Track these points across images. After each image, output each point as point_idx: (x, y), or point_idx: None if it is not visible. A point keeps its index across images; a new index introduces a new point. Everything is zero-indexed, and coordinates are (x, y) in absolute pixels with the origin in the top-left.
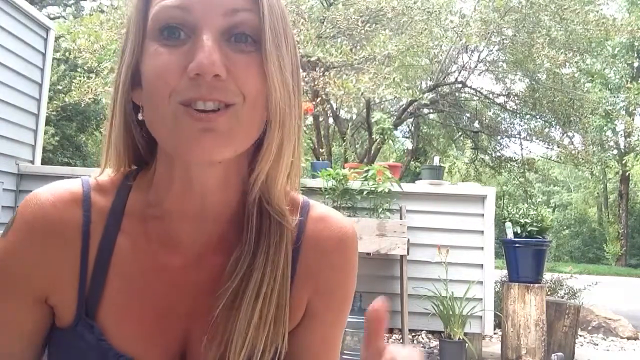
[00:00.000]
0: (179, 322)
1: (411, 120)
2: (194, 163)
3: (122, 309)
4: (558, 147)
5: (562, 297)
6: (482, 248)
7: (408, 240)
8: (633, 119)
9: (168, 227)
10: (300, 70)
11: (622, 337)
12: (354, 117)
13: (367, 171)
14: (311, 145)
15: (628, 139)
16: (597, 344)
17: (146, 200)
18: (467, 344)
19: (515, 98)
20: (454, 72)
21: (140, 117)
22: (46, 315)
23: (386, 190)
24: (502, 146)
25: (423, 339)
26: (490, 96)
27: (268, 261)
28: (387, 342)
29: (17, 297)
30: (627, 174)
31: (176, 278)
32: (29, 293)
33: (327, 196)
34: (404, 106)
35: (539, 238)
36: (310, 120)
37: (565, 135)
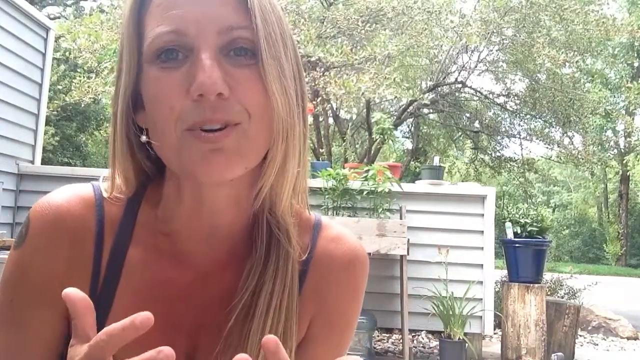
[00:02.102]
0: (186, 337)
1: (411, 120)
2: (205, 184)
3: None
4: (558, 147)
5: (562, 297)
6: (482, 248)
7: (408, 240)
8: (633, 119)
9: (177, 243)
10: (303, 72)
11: (622, 337)
12: (354, 117)
13: (367, 171)
14: (311, 145)
15: (628, 139)
16: (597, 344)
17: (156, 215)
18: (467, 344)
19: (515, 98)
20: (454, 72)
21: (143, 139)
22: (66, 328)
23: (386, 190)
24: (502, 146)
25: (423, 339)
26: (490, 96)
27: (278, 273)
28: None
29: (44, 308)
30: (627, 174)
31: (184, 293)
32: (54, 302)
33: (327, 196)
34: (404, 106)
35: (539, 238)
36: (310, 120)
37: (565, 135)
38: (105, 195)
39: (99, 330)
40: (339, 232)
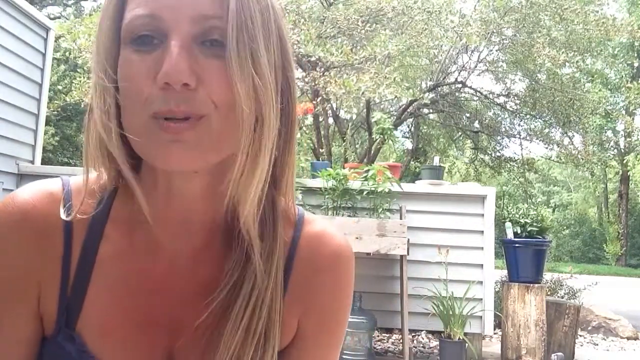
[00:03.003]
0: (163, 332)
1: (411, 120)
2: (165, 171)
3: (105, 318)
4: (558, 147)
5: (562, 297)
6: (482, 248)
7: (408, 240)
8: (633, 119)
9: (153, 233)
10: (293, 67)
11: (622, 337)
12: (354, 117)
13: (367, 171)
14: (311, 145)
15: (628, 139)
16: (597, 344)
17: (132, 206)
18: (467, 344)
19: (515, 98)
20: (454, 72)
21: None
22: (40, 327)
23: (386, 190)
24: (502, 146)
25: (423, 339)
26: (490, 96)
27: (258, 273)
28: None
29: (16, 308)
30: (627, 174)
31: (160, 287)
32: (24, 302)
33: (327, 196)
34: (404, 106)
35: (539, 238)
36: (310, 120)
37: (565, 135)
38: (78, 181)
39: (73, 328)
40: (323, 228)
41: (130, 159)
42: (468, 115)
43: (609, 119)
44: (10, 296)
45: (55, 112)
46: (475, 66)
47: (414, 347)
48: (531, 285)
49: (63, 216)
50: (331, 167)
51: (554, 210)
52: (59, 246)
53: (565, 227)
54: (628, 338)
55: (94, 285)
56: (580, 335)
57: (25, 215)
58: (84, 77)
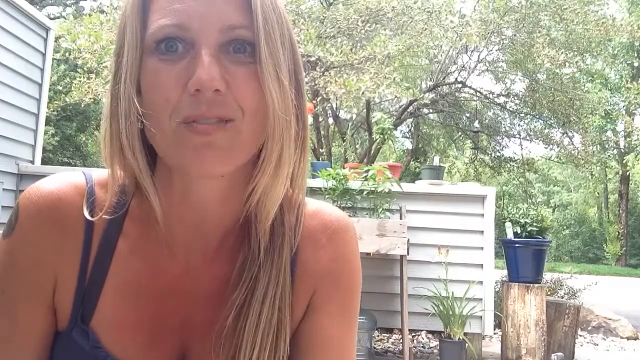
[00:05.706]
0: (176, 331)
1: (411, 120)
2: (196, 177)
3: (119, 315)
4: (558, 147)
5: (562, 297)
6: (482, 248)
7: (408, 240)
8: (633, 119)
9: (168, 235)
10: (302, 70)
11: (622, 337)
12: (354, 117)
13: (367, 171)
14: (311, 145)
15: (628, 139)
16: (597, 344)
17: (149, 204)
18: (467, 344)
19: (515, 98)
20: (454, 72)
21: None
22: (54, 321)
23: (386, 190)
24: (502, 146)
25: (423, 339)
26: (490, 96)
27: (273, 268)
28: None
29: (34, 299)
30: (627, 174)
31: (173, 286)
32: (42, 293)
33: (327, 196)
34: (404, 106)
35: (539, 238)
36: (310, 120)
37: (565, 135)
38: (100, 175)
39: (87, 323)
40: (317, 206)
41: (147, 157)
42: (468, 115)
43: (609, 119)
44: (28, 288)
45: (55, 112)
46: (475, 66)
47: (414, 347)
48: (531, 285)
49: (87, 214)
50: (331, 167)
51: (554, 210)
52: (79, 240)
53: (565, 227)
54: (628, 338)
55: (110, 281)
56: (580, 335)
57: (51, 206)
58: (84, 77)
